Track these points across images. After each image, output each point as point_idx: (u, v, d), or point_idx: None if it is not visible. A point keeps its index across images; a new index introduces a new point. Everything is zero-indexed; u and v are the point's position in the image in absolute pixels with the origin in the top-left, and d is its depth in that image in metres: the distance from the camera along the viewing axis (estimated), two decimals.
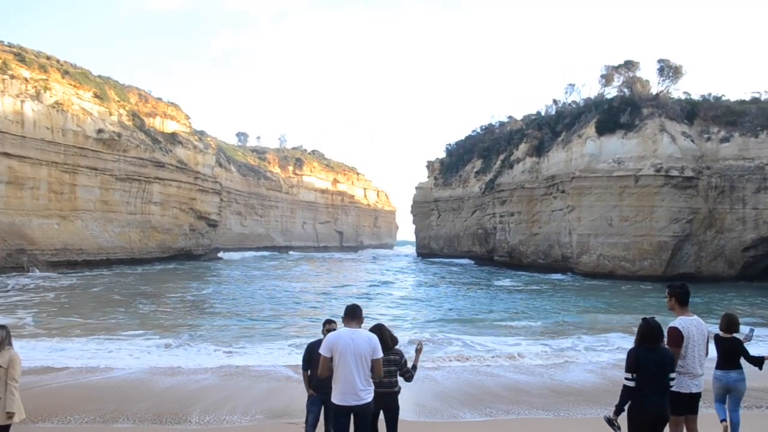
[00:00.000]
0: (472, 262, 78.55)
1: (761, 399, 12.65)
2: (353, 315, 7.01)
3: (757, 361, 8.56)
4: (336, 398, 6.72)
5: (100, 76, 66.73)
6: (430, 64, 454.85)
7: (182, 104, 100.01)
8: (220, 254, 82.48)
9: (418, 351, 8.04)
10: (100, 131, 57.56)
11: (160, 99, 77.88)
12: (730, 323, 8.29)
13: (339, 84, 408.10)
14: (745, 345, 8.71)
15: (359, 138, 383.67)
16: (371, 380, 6.83)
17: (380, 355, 6.86)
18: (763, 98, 54.43)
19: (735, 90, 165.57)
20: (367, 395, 6.75)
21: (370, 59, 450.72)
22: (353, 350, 6.66)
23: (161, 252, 65.25)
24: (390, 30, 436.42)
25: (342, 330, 6.97)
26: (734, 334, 8.40)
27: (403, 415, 11.15)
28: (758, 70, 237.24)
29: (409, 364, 7.96)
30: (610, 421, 6.36)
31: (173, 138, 72.01)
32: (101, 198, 58.37)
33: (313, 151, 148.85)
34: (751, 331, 9.05)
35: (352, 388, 6.63)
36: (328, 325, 8.11)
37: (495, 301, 34.62)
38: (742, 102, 54.89)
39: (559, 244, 57.67)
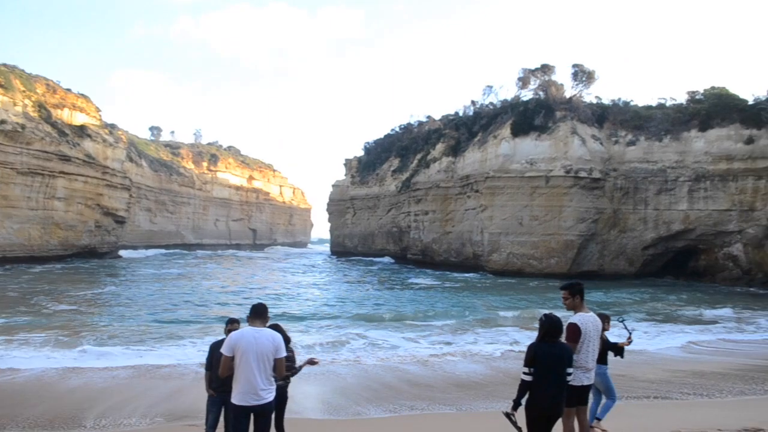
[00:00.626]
0: (386, 260, 79.05)
1: (647, 389, 13.38)
2: (258, 314, 6.96)
3: (617, 349, 9.14)
4: (236, 398, 6.60)
5: (5, 65, 63.16)
6: (350, 61, 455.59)
7: (93, 96, 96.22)
8: (122, 252, 78.78)
9: (311, 364, 8.25)
10: (2, 122, 54.58)
11: (69, 90, 74.37)
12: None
13: (257, 80, 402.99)
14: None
15: (277, 135, 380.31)
16: (273, 379, 6.74)
17: (284, 354, 6.83)
18: (668, 104, 56.92)
19: (643, 95, 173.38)
20: (269, 394, 6.67)
21: (290, 55, 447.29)
22: (256, 349, 6.57)
23: (63, 250, 62.32)
24: (310, 26, 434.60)
25: (245, 329, 6.89)
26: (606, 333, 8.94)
27: (307, 413, 11.24)
28: (665, 77, 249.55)
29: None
30: (509, 416, 6.44)
31: (82, 131, 69.03)
32: (0, 192, 55.36)
33: (229, 147, 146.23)
34: (632, 331, 9.82)
35: (253, 387, 6.54)
36: (231, 325, 8.05)
37: (403, 299, 35.05)
38: (649, 107, 57.22)
39: (471, 242, 58.71)
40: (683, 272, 52.83)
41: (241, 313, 16.42)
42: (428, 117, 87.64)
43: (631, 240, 52.39)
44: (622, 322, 10.06)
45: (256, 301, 7.29)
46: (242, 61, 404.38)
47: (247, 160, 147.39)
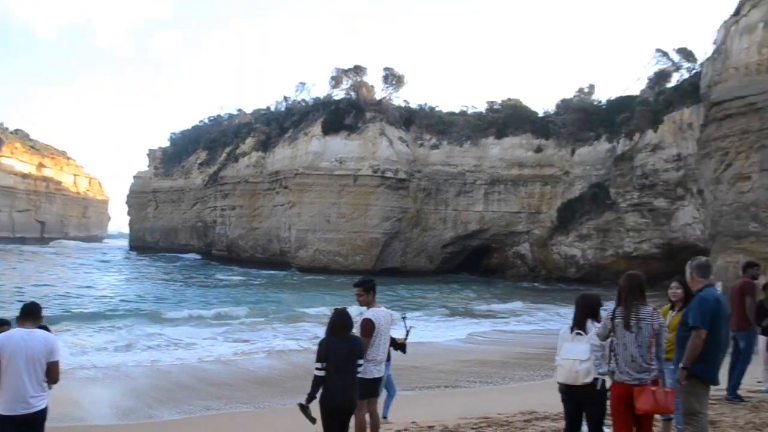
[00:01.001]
0: (191, 256, 76.32)
1: (437, 379, 14.18)
2: (29, 313, 6.26)
3: (399, 345, 9.43)
4: (0, 407, 5.86)
5: None
6: (157, 46, 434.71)
7: None
8: None
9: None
10: None
11: None
12: None
13: (53, 57, 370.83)
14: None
15: (73, 119, 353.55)
16: (45, 385, 6.09)
17: (58, 357, 6.21)
18: (469, 112, 60.47)
19: (447, 102, 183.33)
20: (40, 402, 6.00)
21: (91, 33, 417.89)
22: (26, 353, 5.90)
23: None
24: (111, 9, 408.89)
25: (14, 330, 6.18)
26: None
27: (94, 419, 10.44)
28: (467, 87, 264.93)
29: None
30: (303, 408, 6.42)
31: None
32: None
33: (16, 130, 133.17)
34: (409, 329, 10.07)
35: (21, 395, 5.86)
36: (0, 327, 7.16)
37: (206, 296, 34.39)
38: (452, 114, 60.24)
39: (279, 239, 58.50)
40: (477, 269, 56.71)
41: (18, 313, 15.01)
42: (239, 110, 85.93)
43: (432, 238, 55.11)
44: (403, 318, 10.35)
45: (29, 301, 6.56)
46: (36, 35, 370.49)
47: (38, 145, 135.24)
